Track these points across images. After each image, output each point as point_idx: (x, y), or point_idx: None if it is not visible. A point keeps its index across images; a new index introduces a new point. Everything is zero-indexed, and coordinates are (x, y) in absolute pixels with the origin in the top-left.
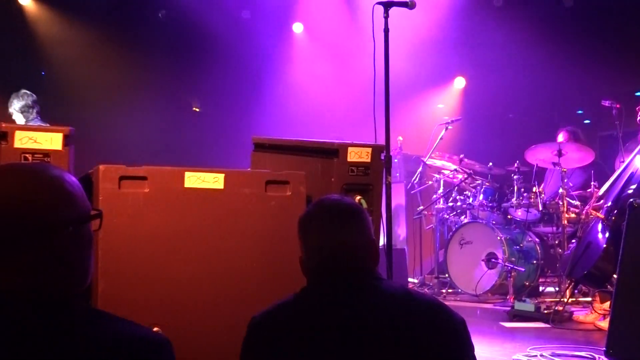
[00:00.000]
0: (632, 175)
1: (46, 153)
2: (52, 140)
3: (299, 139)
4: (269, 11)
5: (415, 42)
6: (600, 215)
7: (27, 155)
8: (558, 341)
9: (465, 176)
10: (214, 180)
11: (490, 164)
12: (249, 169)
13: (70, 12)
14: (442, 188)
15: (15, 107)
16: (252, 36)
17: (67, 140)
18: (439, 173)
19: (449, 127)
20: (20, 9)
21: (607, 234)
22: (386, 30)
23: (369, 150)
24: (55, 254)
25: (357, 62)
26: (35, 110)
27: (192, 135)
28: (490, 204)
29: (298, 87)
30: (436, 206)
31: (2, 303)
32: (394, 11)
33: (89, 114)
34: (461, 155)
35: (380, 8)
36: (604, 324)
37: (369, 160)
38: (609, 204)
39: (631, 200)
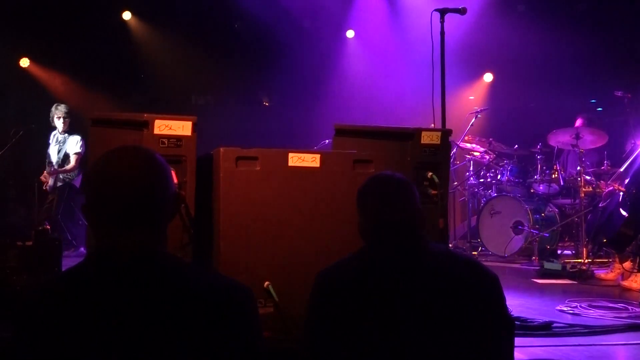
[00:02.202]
0: None
1: (179, 138)
2: (183, 128)
3: (378, 125)
4: (326, 20)
5: (450, 43)
6: (622, 188)
7: (163, 139)
8: (587, 295)
9: (494, 156)
10: (311, 160)
11: (516, 146)
12: (339, 151)
13: (164, 25)
14: (472, 167)
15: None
16: (312, 41)
17: (194, 128)
18: (470, 154)
19: (479, 115)
20: (124, 23)
21: (627, 205)
22: (442, 33)
23: (439, 134)
24: (169, 217)
25: (400, 61)
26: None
27: (263, 124)
28: (516, 180)
29: (350, 82)
30: (468, 182)
31: (125, 259)
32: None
33: (179, 109)
34: (490, 139)
35: (437, 14)
36: (625, 283)
37: (438, 142)
38: (628, 180)
39: None
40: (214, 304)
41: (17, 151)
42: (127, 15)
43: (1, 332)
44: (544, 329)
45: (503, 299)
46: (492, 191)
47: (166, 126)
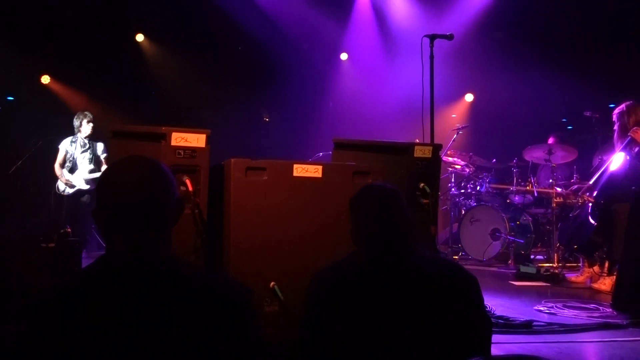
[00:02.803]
0: (611, 173)
1: (194, 149)
2: (198, 140)
3: (375, 140)
4: (322, 44)
5: (435, 66)
6: (592, 199)
7: (179, 151)
8: (560, 296)
9: (473, 169)
10: (314, 171)
11: (494, 160)
12: (340, 162)
13: (173, 46)
14: (453, 178)
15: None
16: (309, 63)
17: (208, 140)
18: (452, 167)
19: (460, 132)
20: (137, 44)
21: (596, 215)
22: (431, 57)
23: (431, 148)
24: (172, 223)
25: (389, 81)
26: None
27: (263, 138)
28: (494, 191)
29: (343, 101)
30: (450, 192)
31: (131, 261)
32: (419, 43)
33: (187, 123)
34: (470, 153)
35: (427, 40)
36: (595, 285)
37: (430, 156)
38: (596, 192)
39: (633, 188)
40: (217, 303)
41: (36, 160)
42: (140, 38)
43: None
44: (526, 327)
45: (482, 299)
46: (472, 201)
47: (182, 138)
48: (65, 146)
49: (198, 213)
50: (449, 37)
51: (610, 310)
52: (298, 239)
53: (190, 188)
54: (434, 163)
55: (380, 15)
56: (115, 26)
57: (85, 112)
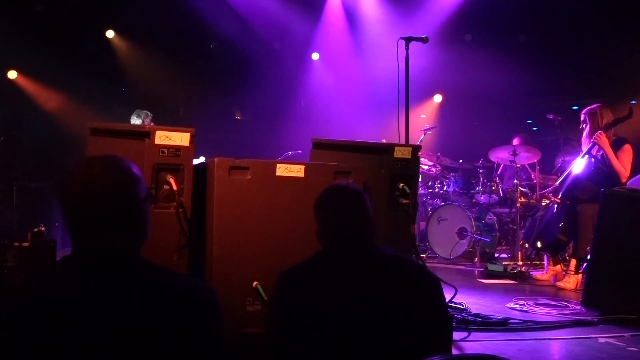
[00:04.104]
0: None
1: (177, 148)
2: (182, 139)
3: (356, 140)
4: (294, 43)
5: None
6: (558, 200)
7: (163, 149)
8: (526, 293)
9: (441, 169)
10: (297, 170)
11: (461, 160)
12: (323, 162)
13: (144, 43)
14: (421, 178)
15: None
16: (281, 62)
17: (192, 139)
18: (419, 167)
19: (428, 132)
20: (107, 40)
21: (562, 215)
22: (407, 59)
23: (410, 149)
24: (134, 224)
25: (359, 81)
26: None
27: (236, 136)
28: (461, 191)
29: (315, 100)
30: (418, 192)
31: (91, 262)
32: (393, 44)
33: (157, 121)
34: (438, 154)
35: (402, 42)
36: (560, 283)
37: (409, 156)
38: (561, 192)
39: (603, 189)
40: (181, 303)
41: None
42: (110, 34)
43: None
44: (502, 325)
45: (443, 298)
46: (439, 200)
47: (166, 137)
48: None
49: (182, 212)
50: (424, 40)
51: (580, 307)
52: (281, 238)
53: (174, 187)
54: (414, 164)
55: (351, 17)
56: (85, 21)
57: (146, 111)
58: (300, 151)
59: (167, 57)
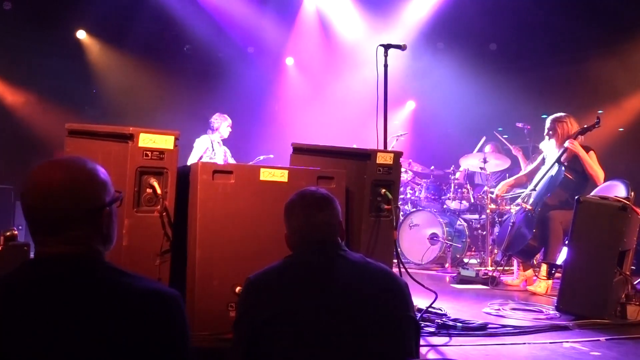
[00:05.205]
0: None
1: (161, 151)
2: (166, 142)
3: (337, 146)
4: (268, 48)
5: (379, 74)
6: (530, 207)
7: (147, 152)
8: (501, 298)
9: (412, 176)
10: (280, 175)
11: (432, 167)
12: (305, 167)
13: (116, 44)
14: None
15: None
16: (255, 66)
17: (176, 142)
18: None
19: (401, 138)
20: (78, 41)
21: (534, 222)
22: (385, 66)
23: (392, 155)
24: (96, 228)
25: (332, 87)
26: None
27: None
28: (432, 197)
29: (288, 104)
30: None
31: (50, 265)
32: (367, 50)
33: (130, 123)
34: (410, 160)
35: (381, 49)
36: (531, 288)
37: (391, 162)
38: (532, 199)
39: (578, 197)
40: (143, 309)
41: None
42: (81, 34)
43: None
44: (482, 330)
45: (411, 303)
46: (410, 206)
47: (150, 139)
48: (207, 144)
49: (166, 215)
50: (402, 47)
51: (554, 312)
52: (264, 243)
53: (158, 191)
54: (395, 170)
55: (325, 23)
56: (55, 21)
57: (225, 115)
58: (272, 155)
59: (139, 58)
